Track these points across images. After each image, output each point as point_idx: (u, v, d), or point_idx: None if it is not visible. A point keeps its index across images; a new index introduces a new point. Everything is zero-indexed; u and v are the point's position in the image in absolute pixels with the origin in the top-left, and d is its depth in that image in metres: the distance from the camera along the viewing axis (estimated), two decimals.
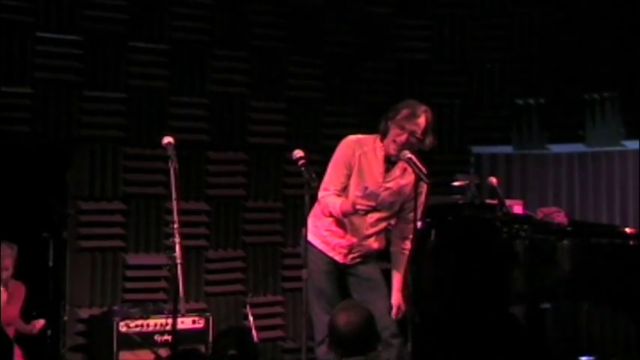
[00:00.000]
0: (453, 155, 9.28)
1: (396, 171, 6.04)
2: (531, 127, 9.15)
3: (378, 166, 6.07)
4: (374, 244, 6.11)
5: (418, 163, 5.87)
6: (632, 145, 8.66)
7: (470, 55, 9.35)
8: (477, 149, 9.44)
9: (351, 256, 6.07)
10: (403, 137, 5.95)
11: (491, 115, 9.35)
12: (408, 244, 6.07)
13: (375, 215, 6.07)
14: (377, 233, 6.13)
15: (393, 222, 6.15)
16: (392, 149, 5.98)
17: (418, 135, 5.95)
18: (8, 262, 7.02)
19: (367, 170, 6.06)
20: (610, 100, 8.73)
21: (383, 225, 6.14)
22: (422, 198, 6.00)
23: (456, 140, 9.34)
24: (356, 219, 6.06)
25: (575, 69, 8.90)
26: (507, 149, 9.35)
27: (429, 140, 6.04)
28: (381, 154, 6.06)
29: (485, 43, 9.33)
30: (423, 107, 6.07)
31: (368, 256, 6.11)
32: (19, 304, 7.13)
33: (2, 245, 6.94)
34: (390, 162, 6.05)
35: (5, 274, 7.05)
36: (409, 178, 5.95)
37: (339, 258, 6.07)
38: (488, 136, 9.35)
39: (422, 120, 6.00)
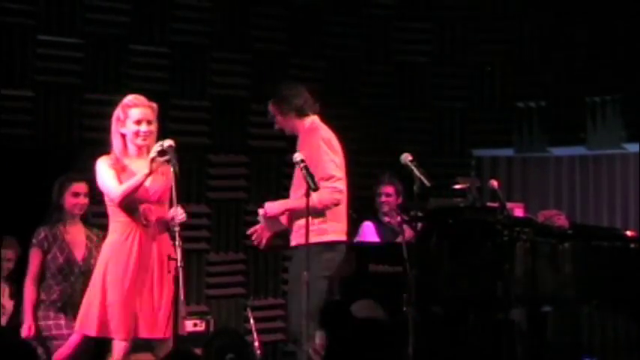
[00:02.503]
0: (454, 158, 9.28)
1: None
2: (532, 130, 9.15)
3: None
4: None
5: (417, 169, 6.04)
6: (633, 147, 8.66)
7: (470, 58, 9.36)
8: (477, 152, 9.43)
9: None
10: None
11: (492, 118, 9.35)
12: None
13: None
14: None
15: None
16: None
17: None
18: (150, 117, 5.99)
19: None
20: (611, 103, 8.73)
21: None
22: None
23: (457, 143, 9.34)
24: None
25: (576, 72, 8.90)
26: (508, 152, 9.35)
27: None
28: None
29: (485, 46, 9.33)
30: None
31: None
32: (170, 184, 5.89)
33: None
34: None
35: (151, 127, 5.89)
36: None
37: None
38: (489, 139, 9.35)
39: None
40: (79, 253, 6.49)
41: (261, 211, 6.34)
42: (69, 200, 6.49)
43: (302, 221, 6.07)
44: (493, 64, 9.31)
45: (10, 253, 6.98)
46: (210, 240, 8.49)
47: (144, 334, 5.76)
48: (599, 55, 8.78)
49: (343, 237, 6.35)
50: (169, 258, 5.52)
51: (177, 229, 5.54)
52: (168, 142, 5.75)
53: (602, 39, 8.75)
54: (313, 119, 6.41)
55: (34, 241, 6.46)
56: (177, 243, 5.47)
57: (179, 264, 5.45)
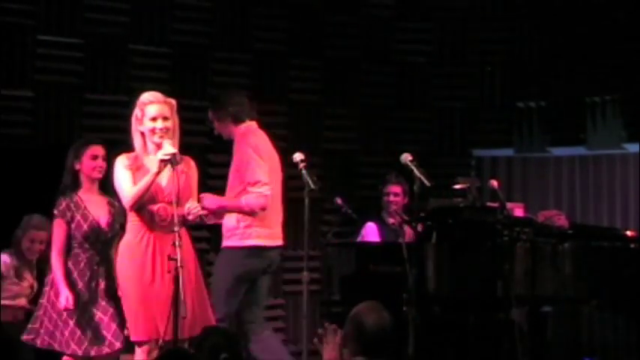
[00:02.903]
0: (454, 158, 9.27)
1: None
2: (532, 130, 9.15)
3: None
4: None
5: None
6: (633, 148, 8.66)
7: (470, 58, 9.36)
8: (478, 152, 9.43)
9: None
10: None
11: (492, 118, 9.35)
12: None
13: None
14: None
15: None
16: None
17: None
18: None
19: None
20: (611, 103, 8.73)
21: None
22: None
23: (457, 143, 9.34)
24: None
25: (576, 72, 8.91)
26: (508, 152, 9.35)
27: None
28: None
29: (485, 46, 9.33)
30: None
31: None
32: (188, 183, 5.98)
33: None
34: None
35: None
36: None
37: None
38: (489, 139, 9.35)
39: None
40: (103, 220, 6.15)
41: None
42: (87, 163, 6.14)
43: (229, 223, 6.37)
44: (493, 64, 9.31)
45: (44, 234, 6.75)
46: (210, 240, 8.48)
47: (163, 335, 5.67)
48: (599, 55, 8.78)
49: (271, 242, 6.42)
50: (169, 258, 5.51)
51: (176, 228, 5.54)
52: (168, 143, 5.76)
53: (602, 39, 8.75)
54: (248, 125, 6.51)
55: (55, 212, 6.12)
56: (177, 243, 5.48)
57: (179, 264, 5.45)
